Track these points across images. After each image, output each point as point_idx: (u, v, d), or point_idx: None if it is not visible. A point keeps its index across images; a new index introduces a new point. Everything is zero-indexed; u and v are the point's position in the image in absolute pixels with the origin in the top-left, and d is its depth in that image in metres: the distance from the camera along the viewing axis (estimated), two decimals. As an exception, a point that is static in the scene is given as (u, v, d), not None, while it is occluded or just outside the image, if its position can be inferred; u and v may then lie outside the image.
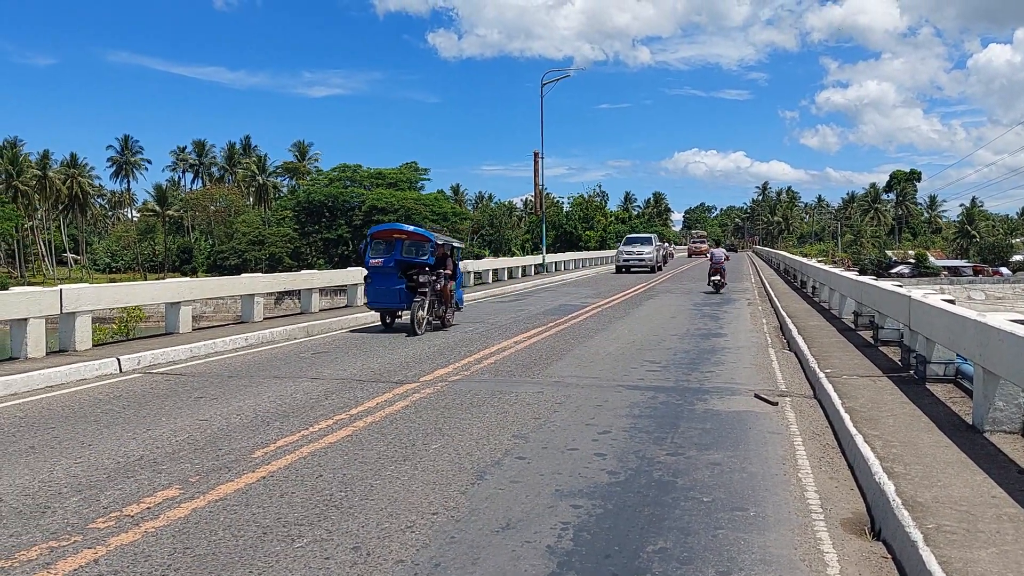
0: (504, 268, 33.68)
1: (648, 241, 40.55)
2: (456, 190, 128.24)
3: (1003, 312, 11.04)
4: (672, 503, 4.93)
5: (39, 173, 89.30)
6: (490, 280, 31.00)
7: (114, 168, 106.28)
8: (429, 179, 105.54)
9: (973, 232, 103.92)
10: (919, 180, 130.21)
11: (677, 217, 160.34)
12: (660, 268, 40.72)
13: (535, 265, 38.80)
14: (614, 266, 40.86)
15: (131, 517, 4.67)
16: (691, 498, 5.03)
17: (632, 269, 38.43)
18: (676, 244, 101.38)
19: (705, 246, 74.70)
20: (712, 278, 24.89)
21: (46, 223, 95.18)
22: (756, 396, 8.28)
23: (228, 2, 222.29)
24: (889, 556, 4.19)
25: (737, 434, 6.73)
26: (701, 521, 4.62)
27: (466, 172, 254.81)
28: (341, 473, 5.55)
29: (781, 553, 4.16)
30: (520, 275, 35.34)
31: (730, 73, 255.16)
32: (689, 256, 72.16)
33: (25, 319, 10.53)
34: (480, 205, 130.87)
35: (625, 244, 40.64)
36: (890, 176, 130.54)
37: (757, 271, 41.64)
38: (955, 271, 75.03)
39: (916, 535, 3.99)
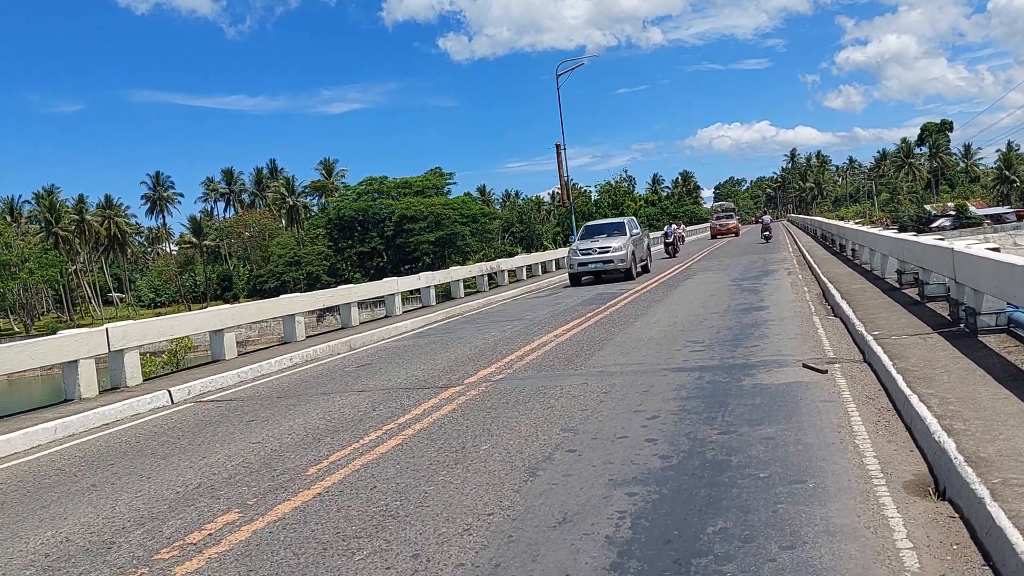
0: (537, 263, 33.59)
1: (617, 229, 25.32)
2: (483, 191, 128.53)
3: (1052, 255, 10.73)
4: (728, 482, 4.87)
5: (77, 217, 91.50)
6: (524, 276, 30.99)
7: (148, 205, 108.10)
8: (455, 183, 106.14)
9: (1013, 177, 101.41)
10: (951, 130, 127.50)
11: (707, 194, 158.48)
12: (647, 269, 26.43)
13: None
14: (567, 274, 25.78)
15: (194, 545, 4.74)
16: (747, 475, 4.96)
17: (602, 276, 24.16)
18: (704, 222, 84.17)
19: (733, 223, 59.98)
20: (763, 233, 42.43)
21: (89, 265, 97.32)
22: (804, 366, 8.15)
23: (240, 31, 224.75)
24: (956, 515, 4.09)
25: (789, 406, 6.63)
26: (760, 497, 4.55)
27: (490, 172, 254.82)
28: (395, 482, 5.58)
29: (845, 522, 4.08)
30: (554, 268, 35.11)
31: (747, 43, 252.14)
32: (713, 237, 57.22)
33: (75, 361, 10.76)
34: (508, 203, 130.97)
35: (581, 238, 25.69)
36: (921, 129, 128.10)
37: (794, 239, 41.10)
38: (998, 219, 73.28)
39: (982, 491, 3.88)
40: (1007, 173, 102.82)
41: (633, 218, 28.24)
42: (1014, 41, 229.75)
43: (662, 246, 37.94)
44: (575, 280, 24.58)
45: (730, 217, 62.93)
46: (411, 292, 23.14)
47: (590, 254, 23.90)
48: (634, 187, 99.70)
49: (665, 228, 40.40)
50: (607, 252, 23.71)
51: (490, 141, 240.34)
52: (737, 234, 58.30)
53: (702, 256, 34.12)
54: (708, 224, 67.95)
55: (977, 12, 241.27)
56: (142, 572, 4.40)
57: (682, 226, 56.24)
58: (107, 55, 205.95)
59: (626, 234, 24.73)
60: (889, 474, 4.77)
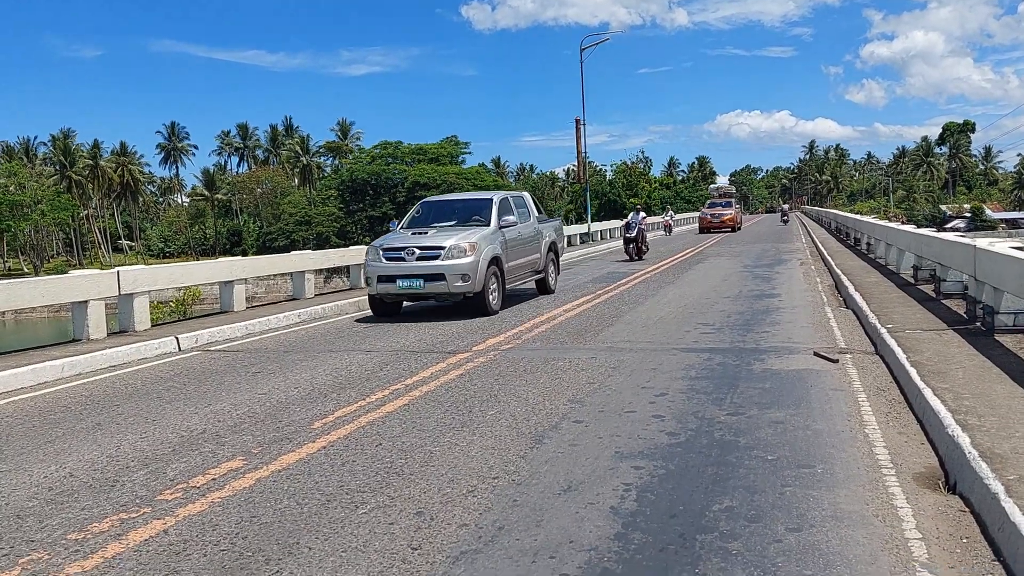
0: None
1: (476, 213, 13.52)
2: (497, 163, 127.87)
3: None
4: (736, 462, 4.84)
5: (91, 162, 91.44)
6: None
7: (163, 155, 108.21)
8: (470, 152, 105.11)
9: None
10: (973, 131, 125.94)
11: (723, 180, 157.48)
12: (547, 288, 14.91)
13: (580, 234, 38.45)
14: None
15: (197, 488, 4.74)
16: (755, 457, 4.92)
17: (443, 301, 13.27)
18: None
19: (731, 213, 44.89)
20: (782, 218, 56.94)
21: (100, 211, 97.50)
22: (815, 354, 8.09)
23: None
24: (967, 510, 4.05)
25: (799, 392, 6.58)
26: (767, 479, 4.51)
27: (507, 144, 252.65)
28: (400, 441, 5.56)
29: (853, 509, 4.04)
30: (565, 245, 34.84)
31: (773, 30, 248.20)
32: (702, 231, 43.52)
33: (85, 301, 10.77)
34: (522, 177, 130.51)
35: (406, 225, 13.71)
36: (942, 128, 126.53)
37: (808, 231, 40.83)
38: (1013, 223, 72.56)
39: (996, 487, 3.83)
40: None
41: (523, 195, 15.37)
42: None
43: (621, 242, 26.07)
44: (379, 308, 12.87)
45: (728, 205, 47.03)
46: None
47: (402, 259, 12.16)
48: (650, 169, 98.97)
49: (629, 217, 26.20)
50: (435, 257, 12.04)
51: (508, 113, 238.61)
52: (735, 228, 44.42)
53: (715, 241, 33.81)
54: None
55: (1008, 13, 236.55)
56: (144, 511, 4.40)
57: (671, 213, 45.98)
58: (130, 1, 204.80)
59: (489, 223, 13.09)
60: (899, 465, 4.72)
